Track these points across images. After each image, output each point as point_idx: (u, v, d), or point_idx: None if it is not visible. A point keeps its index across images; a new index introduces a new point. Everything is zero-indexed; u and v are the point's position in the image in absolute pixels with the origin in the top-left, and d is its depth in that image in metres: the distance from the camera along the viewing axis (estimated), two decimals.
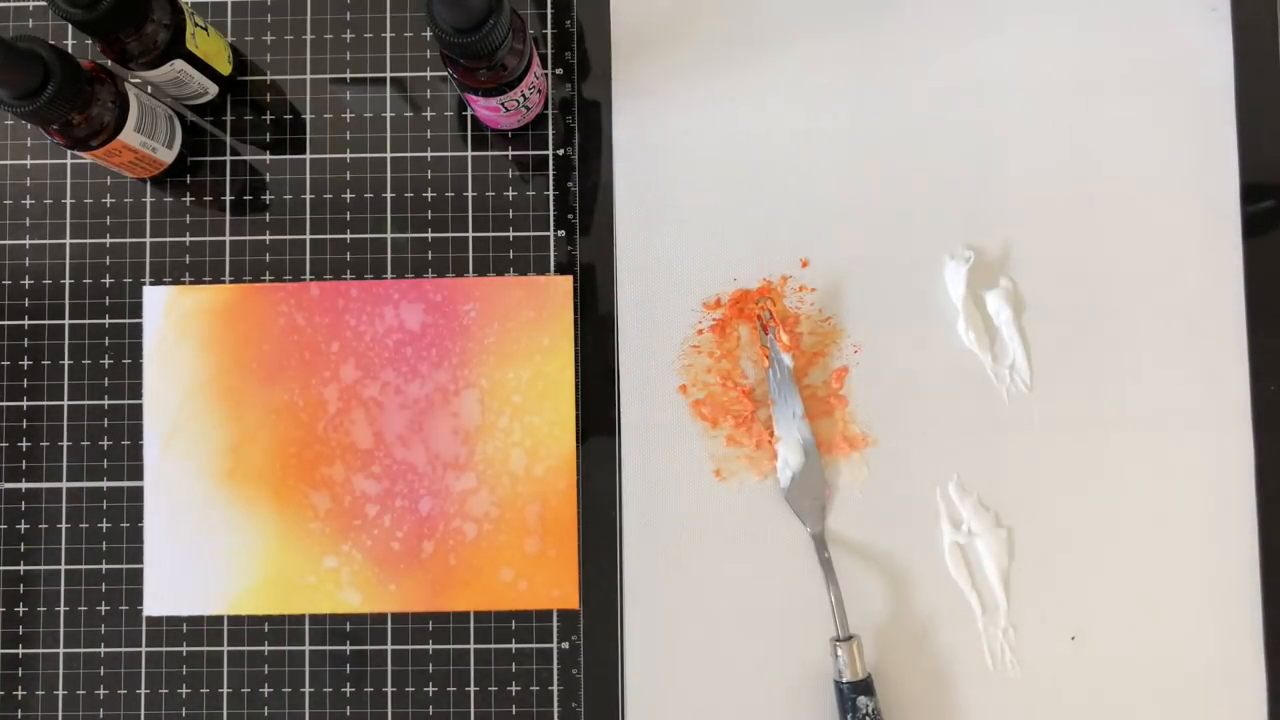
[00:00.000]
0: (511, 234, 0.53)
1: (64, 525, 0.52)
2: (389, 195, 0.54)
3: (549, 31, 0.54)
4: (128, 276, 0.53)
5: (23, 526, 0.52)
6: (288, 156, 0.54)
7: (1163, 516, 0.51)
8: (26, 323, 0.53)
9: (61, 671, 0.52)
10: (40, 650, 0.52)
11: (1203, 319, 0.52)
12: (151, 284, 0.53)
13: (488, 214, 0.53)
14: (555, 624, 0.52)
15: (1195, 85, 0.53)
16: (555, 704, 0.51)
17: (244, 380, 0.52)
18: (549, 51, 0.54)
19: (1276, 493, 0.51)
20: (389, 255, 0.53)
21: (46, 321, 0.53)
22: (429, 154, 0.54)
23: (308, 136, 0.54)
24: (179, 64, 0.48)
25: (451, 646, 0.52)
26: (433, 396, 0.52)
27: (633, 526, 0.52)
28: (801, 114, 0.53)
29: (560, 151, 0.54)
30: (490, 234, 0.53)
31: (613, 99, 0.54)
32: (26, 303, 0.53)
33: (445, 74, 0.54)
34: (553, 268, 0.53)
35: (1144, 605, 0.51)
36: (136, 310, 0.53)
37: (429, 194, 0.53)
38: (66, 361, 0.53)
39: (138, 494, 0.52)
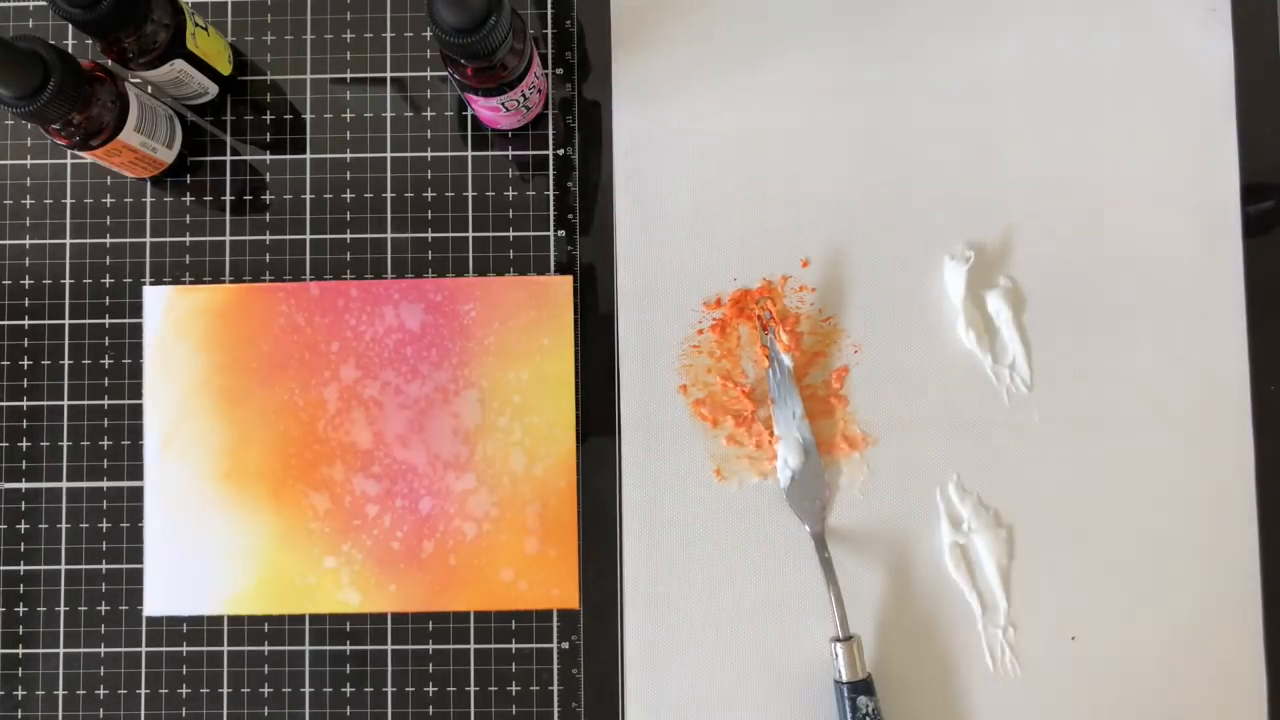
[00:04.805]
0: (511, 234, 0.53)
1: (64, 525, 0.52)
2: (389, 195, 0.54)
3: (549, 31, 0.54)
4: (128, 276, 0.53)
5: (23, 526, 0.52)
6: (288, 156, 0.54)
7: (1163, 517, 0.51)
8: (26, 323, 0.53)
9: (61, 671, 0.52)
10: (40, 650, 0.52)
11: (1203, 319, 0.52)
12: (151, 284, 0.53)
13: (488, 214, 0.53)
14: (555, 624, 0.52)
15: (1195, 85, 0.53)
16: (555, 704, 0.51)
17: (244, 380, 0.52)
18: (549, 51, 0.54)
19: (1276, 493, 0.51)
20: (389, 255, 0.53)
21: (46, 321, 0.53)
22: (429, 154, 0.54)
23: (308, 136, 0.54)
24: (179, 64, 0.49)
25: (451, 646, 0.52)
26: (433, 396, 0.52)
27: (633, 526, 0.52)
28: (801, 113, 0.53)
29: (560, 151, 0.54)
30: (490, 234, 0.53)
31: (613, 99, 0.54)
32: (26, 303, 0.53)
33: (445, 74, 0.54)
34: (553, 268, 0.53)
35: (1144, 605, 0.51)
36: (136, 310, 0.53)
37: (429, 194, 0.53)
38: (66, 361, 0.53)
39: (138, 494, 0.52)
